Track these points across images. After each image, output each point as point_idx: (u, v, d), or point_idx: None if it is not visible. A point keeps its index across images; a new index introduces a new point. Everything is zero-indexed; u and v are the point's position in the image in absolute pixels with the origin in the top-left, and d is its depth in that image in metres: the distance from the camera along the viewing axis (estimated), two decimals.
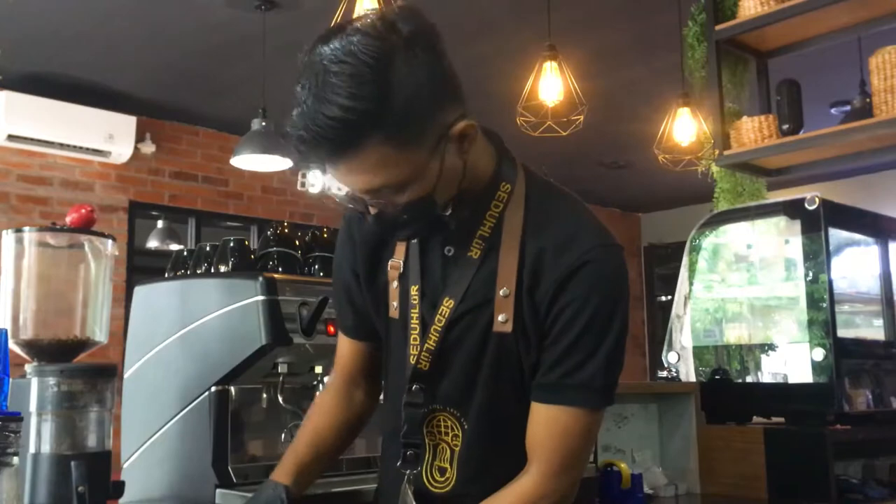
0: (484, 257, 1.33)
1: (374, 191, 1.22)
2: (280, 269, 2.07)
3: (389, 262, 1.42)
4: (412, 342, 1.38)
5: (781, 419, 2.99)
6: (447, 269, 1.36)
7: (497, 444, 1.37)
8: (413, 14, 1.19)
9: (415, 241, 1.40)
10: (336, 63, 1.13)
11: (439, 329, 1.35)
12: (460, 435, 1.38)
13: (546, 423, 1.32)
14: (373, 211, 1.27)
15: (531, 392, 1.34)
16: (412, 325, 1.39)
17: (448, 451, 1.39)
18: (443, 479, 1.39)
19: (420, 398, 1.38)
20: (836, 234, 2.95)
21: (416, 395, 1.38)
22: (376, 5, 3.51)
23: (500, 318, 1.31)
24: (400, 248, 1.42)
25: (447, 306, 1.34)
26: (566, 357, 1.30)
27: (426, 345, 1.36)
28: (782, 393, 2.98)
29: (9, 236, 1.78)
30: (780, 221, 3.12)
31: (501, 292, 1.31)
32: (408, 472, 1.40)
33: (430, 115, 1.19)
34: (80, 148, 6.07)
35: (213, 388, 1.96)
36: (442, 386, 1.38)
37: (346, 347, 1.56)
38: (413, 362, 1.37)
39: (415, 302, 1.38)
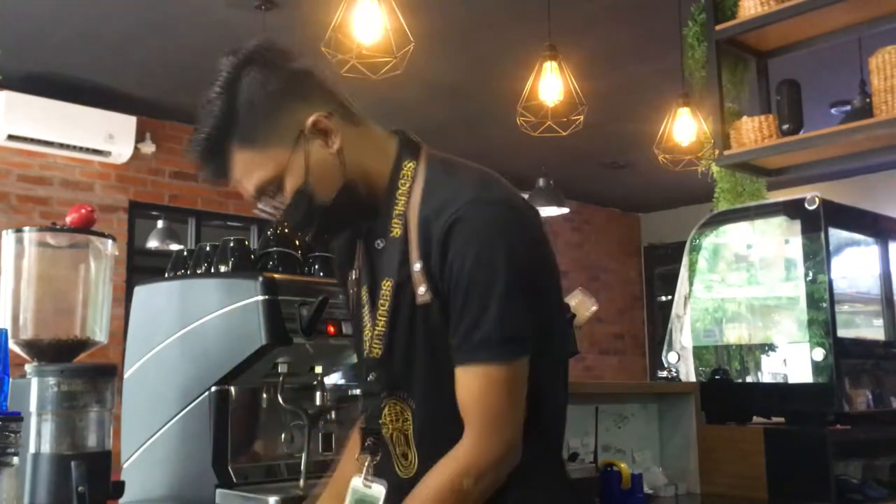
0: (404, 234, 1.38)
1: (258, 192, 1.43)
2: (280, 269, 2.07)
3: (349, 278, 1.50)
4: (365, 336, 1.42)
5: (781, 419, 3.00)
6: (382, 258, 1.41)
7: (447, 421, 1.36)
8: (260, 42, 1.44)
9: (360, 248, 1.47)
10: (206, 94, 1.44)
11: (385, 311, 1.38)
12: (410, 418, 1.40)
13: (463, 386, 1.31)
14: (275, 213, 1.43)
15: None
16: (364, 318, 1.43)
17: (403, 436, 1.41)
18: (407, 462, 1.42)
19: (376, 387, 1.41)
20: (836, 234, 2.95)
21: (371, 385, 1.41)
22: (376, 6, 3.51)
23: (420, 290, 1.34)
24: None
25: (386, 287, 1.38)
26: (462, 317, 1.30)
27: (376, 330, 1.39)
28: (782, 393, 2.98)
29: (9, 236, 1.79)
30: (780, 221, 3.13)
31: (416, 266, 1.34)
32: (367, 461, 1.42)
33: (276, 117, 1.38)
34: (80, 148, 6.06)
35: (213, 388, 1.96)
36: (394, 371, 1.40)
37: None
38: (367, 351, 1.40)
39: (363, 297, 1.44)
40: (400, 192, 1.42)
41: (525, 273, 1.32)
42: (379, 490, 1.40)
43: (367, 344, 1.41)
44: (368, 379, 1.41)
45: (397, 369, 1.39)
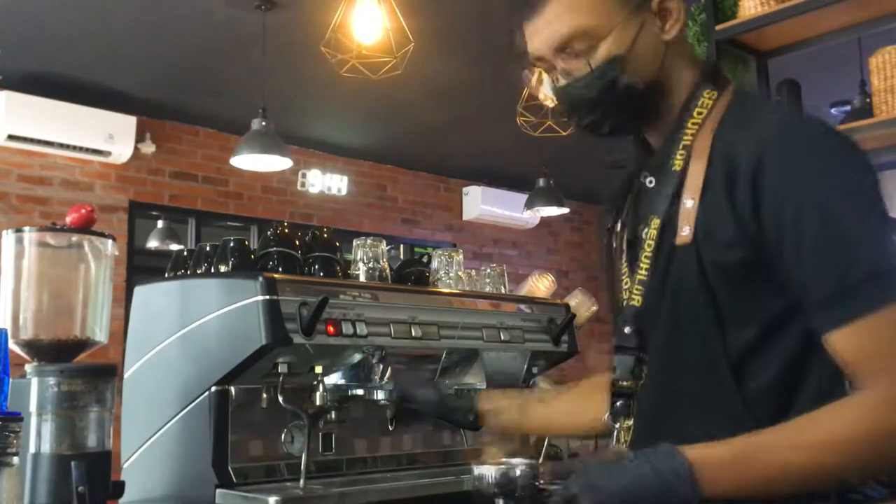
0: (684, 168, 1.20)
1: (566, 42, 1.21)
2: (280, 269, 2.07)
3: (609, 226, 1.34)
4: (624, 284, 1.27)
5: None
6: (651, 197, 1.25)
7: (677, 391, 1.19)
8: None
9: (629, 192, 1.30)
10: None
11: (649, 253, 1.21)
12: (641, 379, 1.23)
13: (848, 350, 1.06)
14: (562, 77, 1.25)
15: (814, 331, 1.09)
16: (622, 267, 1.28)
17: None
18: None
19: (632, 341, 1.25)
20: None
21: (628, 339, 1.25)
22: (376, 6, 3.51)
23: (684, 230, 1.16)
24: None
25: (654, 226, 1.21)
26: (808, 268, 1.07)
27: (637, 276, 1.23)
28: None
29: (9, 236, 1.79)
30: None
31: (687, 203, 1.16)
32: (617, 424, 1.27)
33: None
34: (80, 148, 6.07)
35: (213, 388, 1.96)
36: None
37: None
38: (626, 300, 1.25)
39: (623, 244, 1.29)
40: (693, 120, 1.22)
41: (871, 192, 1.10)
42: None
43: (627, 293, 1.25)
44: (625, 331, 1.25)
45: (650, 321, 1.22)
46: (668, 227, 1.19)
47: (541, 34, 1.24)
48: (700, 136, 1.20)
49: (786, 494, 1.08)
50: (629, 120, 1.29)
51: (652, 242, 1.21)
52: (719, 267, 1.14)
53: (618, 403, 1.27)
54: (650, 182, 1.26)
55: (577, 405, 1.54)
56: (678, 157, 1.21)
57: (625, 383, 1.26)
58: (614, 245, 1.32)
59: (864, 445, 1.06)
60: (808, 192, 1.09)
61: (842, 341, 1.06)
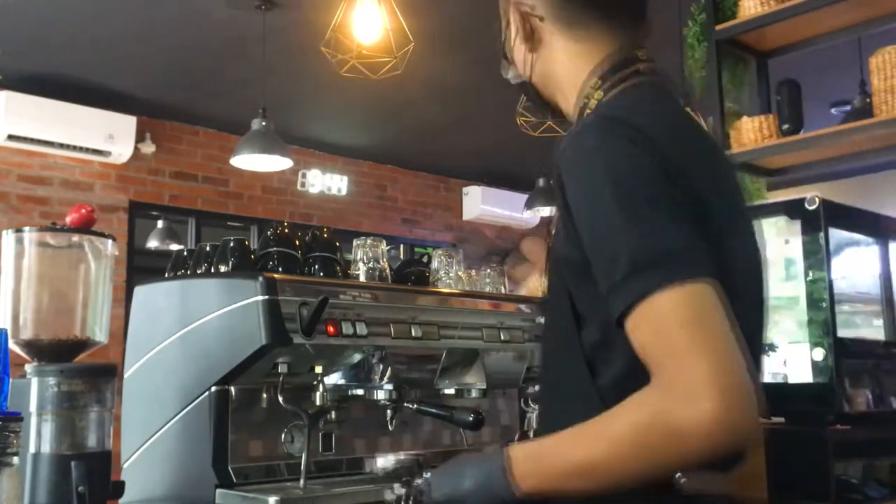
0: None
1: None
2: (280, 269, 2.07)
3: None
4: None
5: (781, 419, 2.99)
6: None
7: (549, 382, 1.23)
8: None
9: None
10: None
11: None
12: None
13: (634, 338, 1.03)
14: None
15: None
16: None
17: None
18: None
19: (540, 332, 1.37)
20: (836, 234, 2.95)
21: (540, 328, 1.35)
22: (376, 6, 3.51)
23: (553, 231, 1.21)
24: None
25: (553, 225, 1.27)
26: (595, 254, 1.09)
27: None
28: (782, 393, 2.97)
29: (9, 236, 1.79)
30: (780, 221, 3.12)
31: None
32: (529, 410, 1.38)
33: None
34: (80, 148, 6.07)
35: (213, 388, 1.96)
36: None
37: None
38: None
39: None
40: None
41: (636, 183, 1.07)
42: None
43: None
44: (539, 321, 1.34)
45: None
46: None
47: None
48: None
49: (595, 491, 1.04)
50: (538, 106, 1.41)
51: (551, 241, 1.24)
52: (566, 265, 1.16)
53: (530, 389, 1.30)
54: None
55: None
56: None
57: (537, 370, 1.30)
58: None
59: (638, 440, 1.00)
60: (581, 200, 1.11)
61: (630, 336, 1.05)
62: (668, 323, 0.99)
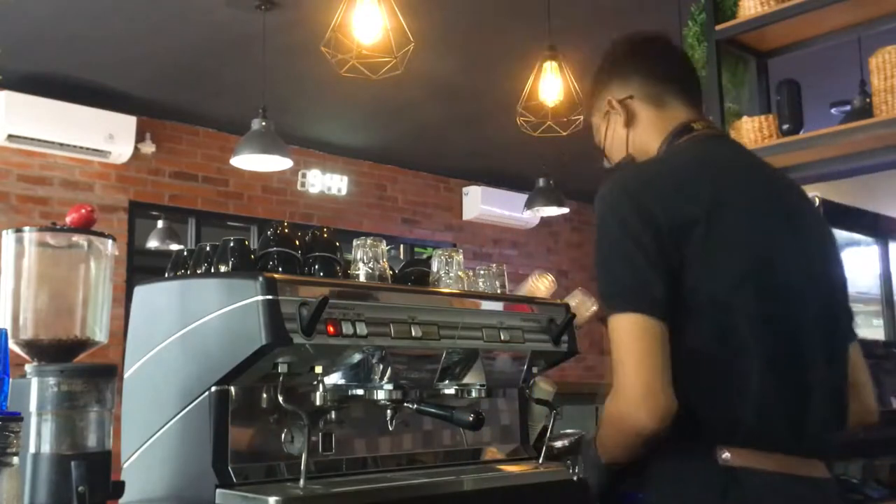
0: None
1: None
2: (280, 269, 2.07)
3: None
4: None
5: None
6: None
7: None
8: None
9: None
10: None
11: None
12: None
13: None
14: None
15: None
16: None
17: None
18: None
19: None
20: (836, 234, 2.94)
21: None
22: (376, 6, 3.51)
23: None
24: None
25: None
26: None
27: None
28: None
29: (9, 236, 1.79)
30: None
31: None
32: None
33: (599, 90, 1.74)
34: (80, 148, 6.07)
35: (213, 388, 1.96)
36: None
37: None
38: None
39: None
40: None
41: (615, 240, 1.48)
42: None
43: None
44: None
45: None
46: None
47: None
48: None
49: (611, 459, 1.54)
50: None
51: None
52: None
53: None
54: None
55: None
56: None
57: None
58: None
59: (608, 424, 1.50)
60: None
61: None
62: (614, 340, 1.44)
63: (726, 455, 1.41)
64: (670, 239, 1.43)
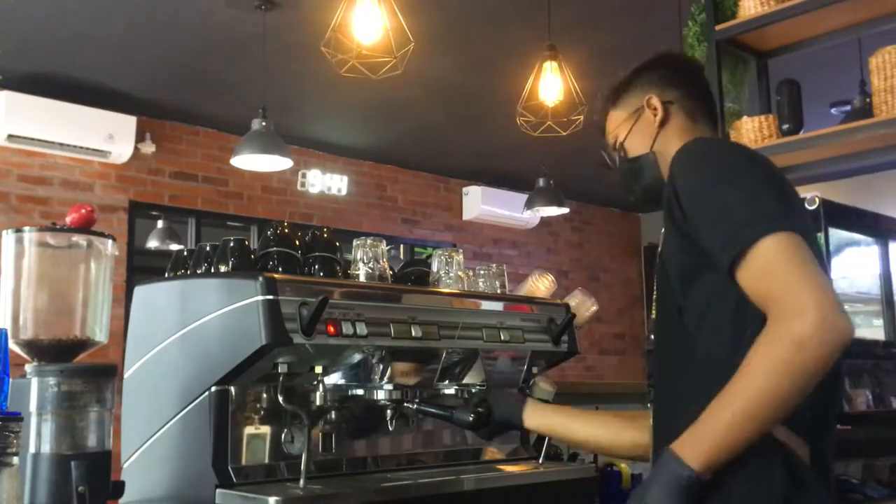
0: None
1: (611, 142, 1.81)
2: (280, 269, 2.07)
3: None
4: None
5: None
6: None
7: (669, 381, 1.52)
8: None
9: None
10: None
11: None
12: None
13: (745, 285, 1.32)
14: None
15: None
16: None
17: None
18: None
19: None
20: (836, 234, 2.95)
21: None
22: (376, 6, 3.51)
23: (660, 248, 1.57)
24: None
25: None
26: (704, 221, 1.40)
27: (654, 295, 1.64)
28: None
29: (9, 236, 1.79)
30: None
31: (661, 230, 1.56)
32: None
33: (633, 92, 1.79)
34: (80, 148, 6.06)
35: (213, 388, 1.96)
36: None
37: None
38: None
39: None
40: None
41: (738, 165, 1.44)
42: None
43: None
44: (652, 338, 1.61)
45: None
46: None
47: (607, 134, 1.83)
48: None
49: (762, 431, 1.28)
50: (644, 185, 1.79)
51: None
52: (679, 269, 1.50)
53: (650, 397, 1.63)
54: None
55: (619, 429, 1.87)
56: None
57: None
58: None
59: (775, 362, 1.25)
60: (696, 189, 1.45)
61: (742, 280, 1.33)
62: (774, 262, 1.29)
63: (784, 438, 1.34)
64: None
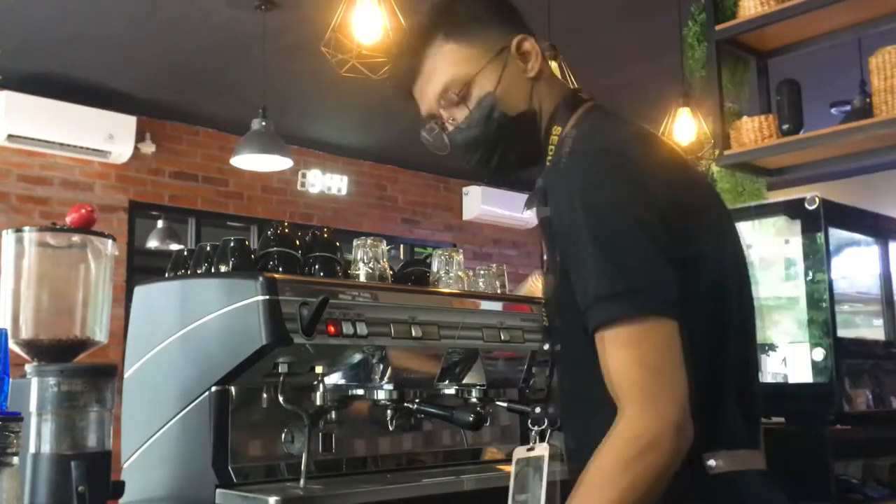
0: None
1: (444, 92, 1.39)
2: (280, 269, 2.07)
3: None
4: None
5: (781, 419, 2.99)
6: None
7: (572, 396, 1.34)
8: None
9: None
10: None
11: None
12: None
13: (600, 358, 1.16)
14: (449, 126, 1.42)
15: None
16: None
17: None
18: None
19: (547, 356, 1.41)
20: (836, 234, 2.95)
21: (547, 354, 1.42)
22: (376, 6, 3.51)
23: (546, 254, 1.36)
24: None
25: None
26: (574, 279, 1.20)
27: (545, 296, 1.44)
28: (782, 393, 2.98)
29: (9, 236, 1.79)
30: (780, 221, 3.12)
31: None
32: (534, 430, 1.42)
33: (488, 22, 1.40)
34: (80, 148, 6.07)
35: (213, 388, 1.96)
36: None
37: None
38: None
39: None
40: (547, 159, 1.40)
41: (616, 218, 1.18)
42: (543, 449, 1.35)
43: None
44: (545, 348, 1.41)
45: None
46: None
47: (425, 94, 1.44)
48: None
49: None
50: (510, 152, 1.43)
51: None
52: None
53: (537, 410, 1.42)
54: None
55: None
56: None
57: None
58: None
59: (624, 472, 1.12)
60: (566, 223, 1.24)
61: (598, 352, 1.17)
62: (625, 357, 1.14)
63: (712, 462, 1.21)
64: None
